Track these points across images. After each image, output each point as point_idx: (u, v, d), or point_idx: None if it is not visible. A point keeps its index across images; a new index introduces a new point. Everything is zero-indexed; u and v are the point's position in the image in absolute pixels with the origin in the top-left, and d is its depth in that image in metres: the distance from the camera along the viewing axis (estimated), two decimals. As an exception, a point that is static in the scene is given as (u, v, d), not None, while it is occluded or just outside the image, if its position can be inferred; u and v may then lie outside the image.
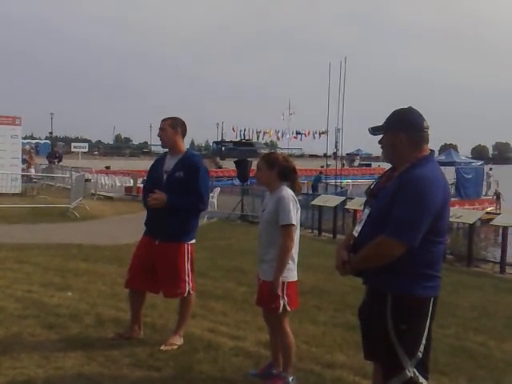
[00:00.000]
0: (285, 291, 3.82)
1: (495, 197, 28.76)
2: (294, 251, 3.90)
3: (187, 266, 4.59)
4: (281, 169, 3.96)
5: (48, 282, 6.59)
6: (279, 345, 4.01)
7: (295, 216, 3.84)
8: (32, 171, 22.65)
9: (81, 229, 12.66)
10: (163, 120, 4.69)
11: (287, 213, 3.81)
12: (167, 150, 4.78)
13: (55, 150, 36.01)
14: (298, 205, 3.94)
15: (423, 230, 2.75)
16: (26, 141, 42.97)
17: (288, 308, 3.86)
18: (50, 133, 72.50)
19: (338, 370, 4.23)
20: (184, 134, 4.71)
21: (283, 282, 3.81)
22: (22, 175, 19.69)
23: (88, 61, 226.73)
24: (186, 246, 4.59)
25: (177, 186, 4.51)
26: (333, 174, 31.97)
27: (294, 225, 3.83)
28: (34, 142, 57.85)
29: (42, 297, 5.84)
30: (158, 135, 4.69)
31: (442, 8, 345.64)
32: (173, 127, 4.64)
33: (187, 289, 4.59)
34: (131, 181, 23.09)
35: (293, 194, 3.93)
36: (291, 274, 3.87)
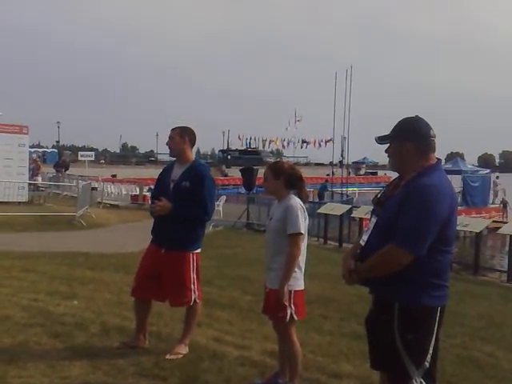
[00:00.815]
0: (292, 300, 3.80)
1: (502, 205, 28.67)
2: (301, 260, 3.88)
3: (193, 274, 4.58)
4: (287, 177, 3.95)
5: (54, 290, 6.59)
6: (286, 354, 3.99)
7: (303, 225, 3.84)
8: (39, 179, 22.75)
9: (87, 237, 12.69)
10: (172, 129, 4.70)
11: (295, 221, 3.80)
12: (174, 158, 4.79)
13: (62, 158, 36.11)
14: (306, 213, 3.93)
15: (430, 239, 2.74)
16: (33, 149, 43.21)
17: (295, 317, 3.84)
18: (57, 141, 72.81)
19: (344, 380, 4.20)
20: (193, 143, 4.72)
21: (290, 291, 3.80)
22: (29, 184, 19.76)
23: (93, 70, 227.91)
24: (191, 255, 4.58)
25: (183, 195, 4.51)
26: (339, 183, 32.00)
27: (301, 233, 3.82)
28: (41, 150, 58.16)
29: (48, 305, 5.84)
30: (167, 144, 4.70)
31: (445, 14, 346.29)
32: (181, 136, 4.65)
33: (193, 297, 4.59)
34: (137, 189, 23.14)
35: (301, 202, 3.92)
36: (298, 282, 3.86)
